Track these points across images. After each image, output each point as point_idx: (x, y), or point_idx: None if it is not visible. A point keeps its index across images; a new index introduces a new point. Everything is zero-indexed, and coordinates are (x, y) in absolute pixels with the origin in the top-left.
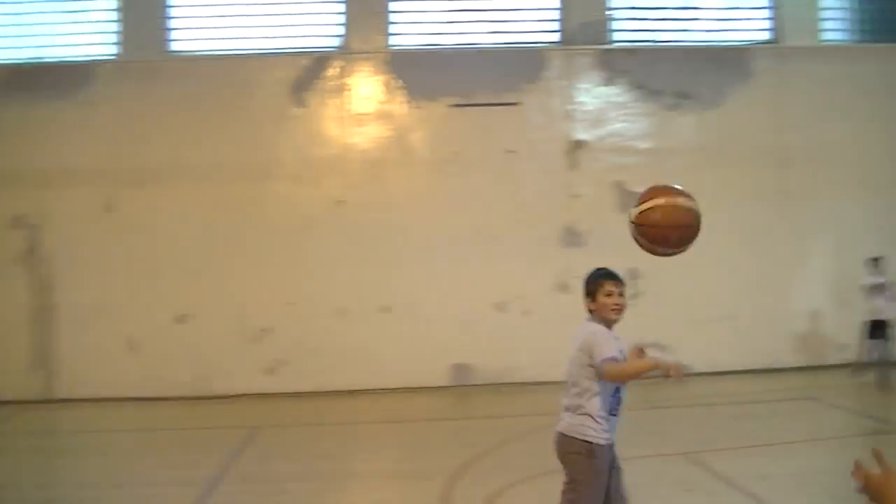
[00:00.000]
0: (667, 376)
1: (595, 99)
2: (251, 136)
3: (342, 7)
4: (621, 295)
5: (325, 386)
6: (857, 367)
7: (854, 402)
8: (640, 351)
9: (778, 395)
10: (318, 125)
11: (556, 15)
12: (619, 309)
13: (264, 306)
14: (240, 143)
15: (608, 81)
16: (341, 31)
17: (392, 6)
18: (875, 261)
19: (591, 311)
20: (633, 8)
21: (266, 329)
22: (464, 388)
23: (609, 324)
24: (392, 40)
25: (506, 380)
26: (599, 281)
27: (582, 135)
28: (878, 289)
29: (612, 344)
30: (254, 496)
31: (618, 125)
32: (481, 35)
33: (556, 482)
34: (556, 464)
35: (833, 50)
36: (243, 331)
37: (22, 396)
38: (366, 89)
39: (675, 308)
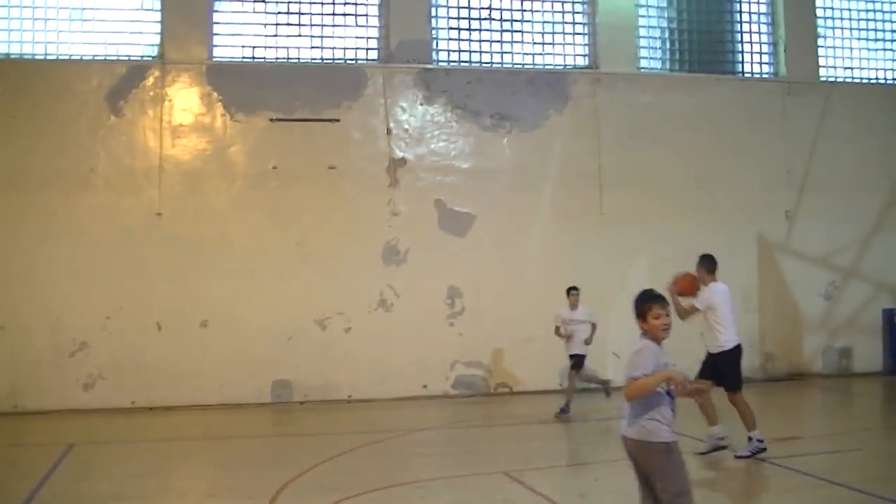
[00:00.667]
0: (676, 389)
1: (414, 118)
2: (66, 144)
3: (158, 16)
4: (668, 315)
5: (142, 402)
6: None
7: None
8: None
9: (595, 414)
10: (136, 135)
11: (377, 33)
12: (667, 328)
13: (80, 319)
14: (54, 150)
15: (428, 101)
16: (157, 39)
17: (213, 17)
18: (573, 290)
19: (643, 331)
20: (455, 29)
21: (82, 342)
22: (284, 405)
23: (658, 342)
24: (212, 52)
25: (327, 397)
26: (648, 304)
27: (402, 153)
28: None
29: (649, 361)
30: None
31: (438, 144)
32: (303, 50)
33: (374, 500)
34: (375, 482)
35: (648, 77)
36: (59, 344)
37: None
38: (184, 100)
39: (496, 327)
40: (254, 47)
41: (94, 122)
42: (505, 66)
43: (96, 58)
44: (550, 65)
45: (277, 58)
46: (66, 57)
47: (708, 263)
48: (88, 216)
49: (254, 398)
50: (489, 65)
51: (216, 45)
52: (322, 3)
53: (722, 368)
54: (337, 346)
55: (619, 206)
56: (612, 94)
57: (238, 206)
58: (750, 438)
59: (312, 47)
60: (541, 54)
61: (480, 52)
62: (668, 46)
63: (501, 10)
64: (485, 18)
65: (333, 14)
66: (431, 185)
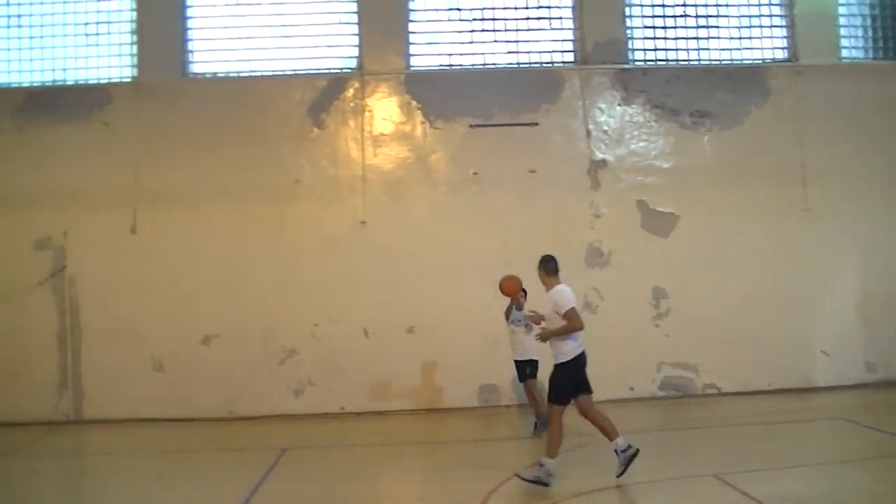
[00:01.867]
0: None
1: (613, 119)
2: (271, 158)
3: (356, 28)
4: None
5: (351, 407)
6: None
7: (887, 422)
8: None
9: (805, 415)
10: (338, 146)
11: (572, 35)
12: None
13: (289, 327)
14: (260, 165)
15: (626, 101)
16: (356, 52)
17: (409, 27)
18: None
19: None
20: (651, 27)
21: (292, 350)
22: (491, 409)
23: None
24: (409, 61)
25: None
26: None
27: (602, 154)
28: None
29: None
30: None
31: (638, 144)
32: (498, 56)
33: (592, 502)
34: (582, 485)
35: (850, 67)
36: (270, 352)
37: (49, 418)
38: (384, 110)
39: (703, 328)
40: (450, 55)
41: (297, 135)
42: (702, 62)
43: (298, 72)
44: (748, 59)
45: (474, 64)
46: (269, 73)
47: (547, 264)
48: (295, 226)
49: (460, 403)
50: (686, 62)
51: (413, 55)
52: (516, 8)
53: (551, 376)
54: (542, 350)
55: (824, 202)
56: (813, 86)
57: (440, 212)
58: (541, 464)
59: (508, 52)
60: (738, 49)
61: (677, 49)
62: (870, 34)
63: (696, 6)
64: (680, 16)
65: (528, 18)
66: (633, 186)
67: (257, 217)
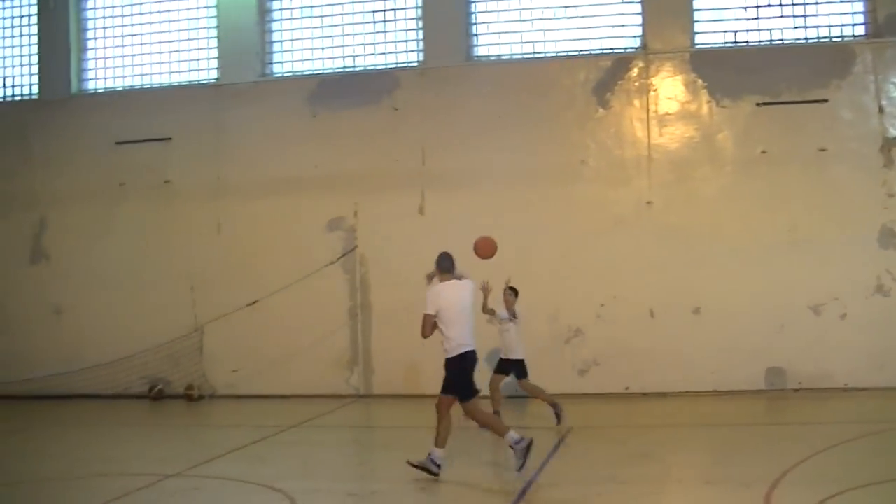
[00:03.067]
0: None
1: None
2: (556, 139)
3: (639, 7)
4: None
5: (636, 387)
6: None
7: None
8: None
9: None
10: (623, 126)
11: (864, 7)
12: None
13: (576, 307)
14: (545, 146)
15: None
16: (640, 31)
17: (693, 4)
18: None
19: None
20: None
21: (577, 329)
22: (778, 393)
23: None
24: (694, 39)
25: (821, 385)
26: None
27: None
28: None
29: None
30: (569, 496)
31: None
32: (786, 31)
33: (873, 494)
34: (874, 475)
35: None
36: (556, 331)
37: (340, 391)
38: (669, 89)
39: None
40: (735, 31)
41: (582, 116)
42: None
43: (581, 53)
44: None
45: (760, 41)
46: (553, 54)
47: (439, 263)
48: (581, 207)
49: (746, 385)
50: None
51: (698, 32)
52: None
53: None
54: (832, 333)
55: None
56: None
57: (727, 192)
58: (429, 453)
59: (795, 27)
60: None
61: None
62: None
63: None
64: None
65: None
66: None
67: (543, 197)
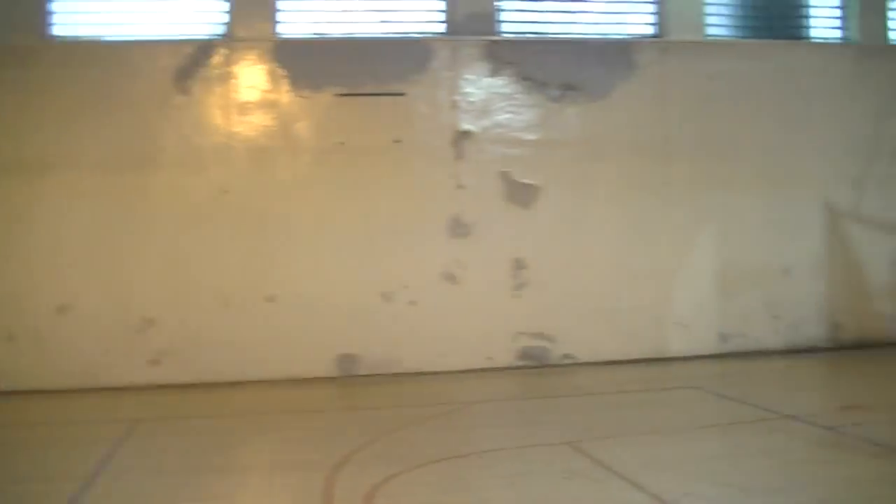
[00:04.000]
0: None
1: (481, 90)
2: (135, 124)
3: None
4: None
5: (209, 377)
6: None
7: (737, 390)
8: None
9: (659, 384)
10: (203, 114)
11: (443, 6)
12: None
13: (148, 296)
14: (123, 131)
15: (494, 73)
16: (225, 18)
17: None
18: None
19: None
20: (522, 0)
21: (151, 319)
22: (350, 379)
23: None
24: (278, 28)
25: (392, 370)
26: None
27: (468, 125)
28: None
29: None
30: (134, 489)
31: (504, 116)
32: (370, 25)
33: (435, 472)
34: (437, 454)
35: (716, 45)
36: (128, 321)
37: None
38: (250, 78)
39: (561, 298)
40: (319, 23)
41: (161, 102)
42: (572, 36)
43: (164, 38)
44: (617, 34)
45: (343, 34)
46: (134, 38)
47: None
48: (157, 194)
49: (320, 372)
50: (556, 35)
51: (281, 22)
52: None
53: None
54: (402, 320)
55: (686, 177)
56: (679, 62)
57: (305, 181)
58: None
59: (380, 22)
60: (608, 24)
61: (547, 22)
62: (736, 13)
63: None
64: None
65: None
66: (497, 158)
67: (119, 184)
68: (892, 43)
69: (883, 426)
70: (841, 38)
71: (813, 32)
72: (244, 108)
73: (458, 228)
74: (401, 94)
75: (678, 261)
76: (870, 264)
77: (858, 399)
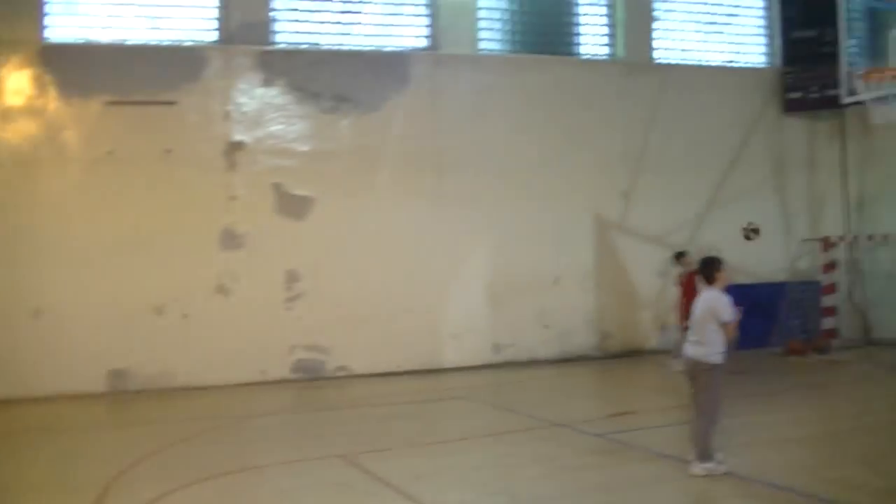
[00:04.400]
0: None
1: (254, 100)
2: None
3: None
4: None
5: None
6: None
7: (508, 400)
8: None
9: (433, 395)
10: None
11: (216, 14)
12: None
13: None
14: None
15: (267, 83)
16: None
17: None
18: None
19: (710, 285)
20: (295, 10)
21: None
22: (121, 394)
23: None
24: (45, 32)
25: (165, 385)
26: (717, 266)
27: (240, 136)
28: None
29: (730, 306)
30: None
31: (277, 127)
32: (141, 31)
33: (214, 488)
34: (210, 470)
35: (488, 59)
36: None
37: None
38: (15, 83)
39: (335, 310)
40: (88, 28)
41: None
42: (345, 47)
43: None
44: (391, 46)
45: (113, 40)
46: None
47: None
48: None
49: (90, 388)
50: (330, 46)
51: (48, 26)
52: None
53: None
54: (174, 334)
55: (459, 188)
56: (452, 75)
57: (73, 191)
58: None
59: (151, 28)
60: (382, 36)
61: (321, 33)
62: (507, 28)
63: None
64: (326, 0)
65: None
66: (270, 169)
67: None
68: (656, 60)
69: (649, 432)
70: (608, 55)
71: (582, 49)
72: (8, 114)
73: (231, 240)
74: (172, 104)
75: (452, 272)
76: (635, 275)
77: (626, 406)
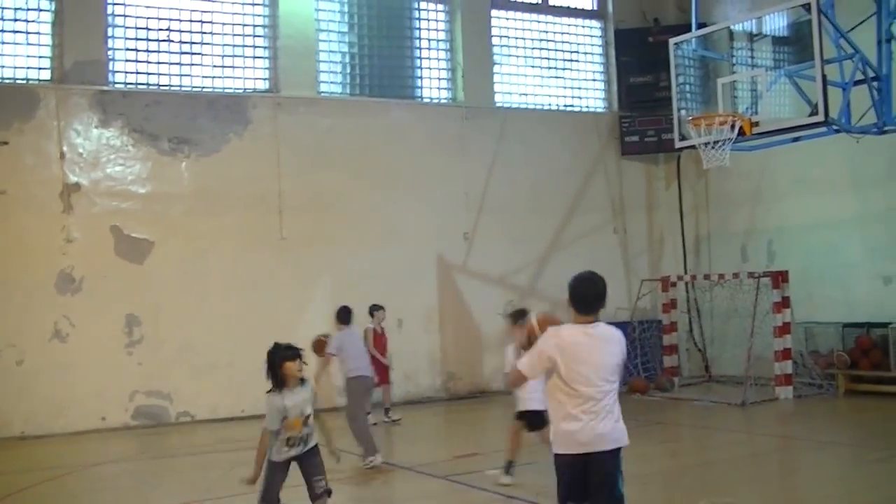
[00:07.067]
0: None
1: (90, 141)
2: None
3: None
4: None
5: None
6: None
7: (353, 443)
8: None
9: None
10: None
11: (50, 52)
12: None
13: None
14: None
15: (104, 123)
16: None
17: None
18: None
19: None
20: (133, 50)
21: None
22: None
23: None
24: None
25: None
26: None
27: (76, 177)
28: None
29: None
30: None
31: (115, 168)
32: None
33: None
34: None
35: (328, 102)
36: None
37: None
38: None
39: (177, 355)
40: None
41: None
42: (184, 88)
43: None
44: (231, 88)
45: None
46: None
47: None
48: None
49: None
50: (168, 87)
51: None
52: None
53: None
54: (9, 381)
55: (301, 230)
56: (292, 117)
57: None
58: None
59: None
60: (221, 77)
61: (159, 74)
62: (348, 71)
63: (181, 31)
64: (163, 40)
65: (2, 31)
66: (107, 211)
67: None
68: (496, 104)
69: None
70: (449, 99)
71: (423, 93)
72: None
73: (68, 284)
74: (4, 144)
75: (296, 315)
76: (479, 316)
77: (471, 447)
